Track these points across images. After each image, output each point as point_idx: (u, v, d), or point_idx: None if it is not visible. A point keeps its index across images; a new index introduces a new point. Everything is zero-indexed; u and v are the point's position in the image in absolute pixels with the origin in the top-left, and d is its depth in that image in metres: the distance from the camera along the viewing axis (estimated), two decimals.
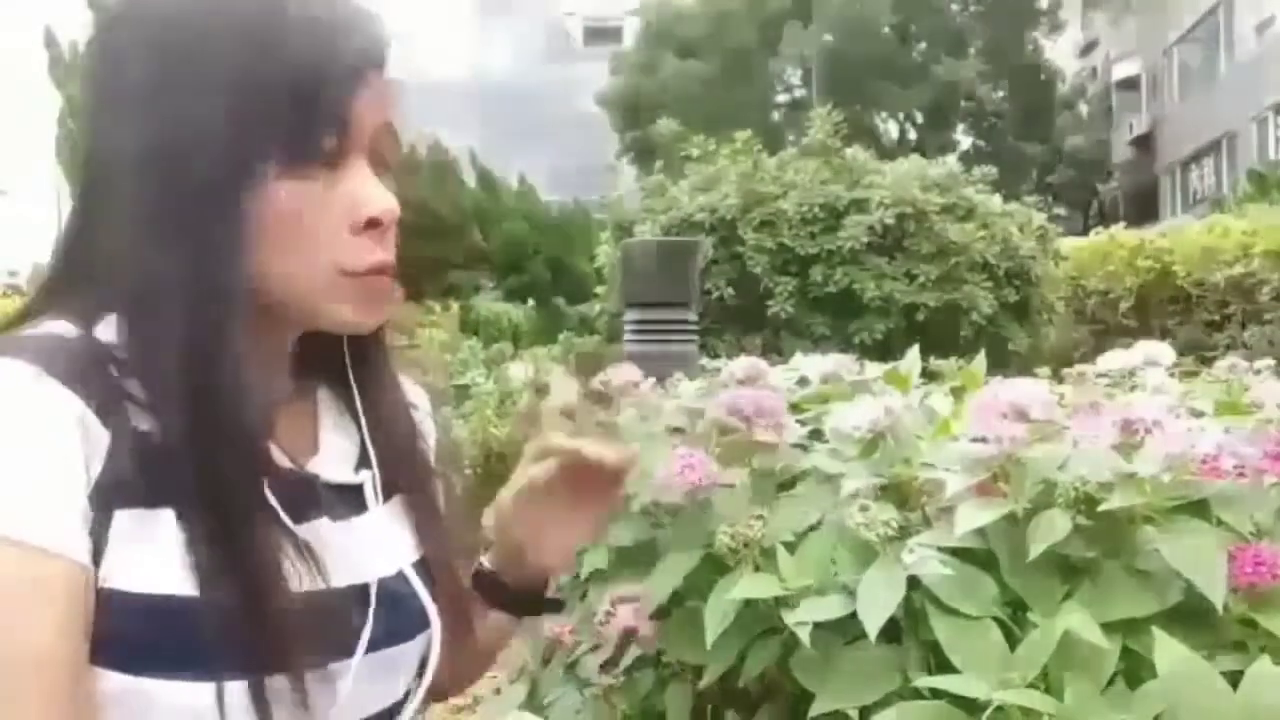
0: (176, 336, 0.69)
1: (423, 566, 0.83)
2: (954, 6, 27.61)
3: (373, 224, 0.73)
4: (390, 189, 0.76)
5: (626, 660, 1.26)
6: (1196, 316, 8.18)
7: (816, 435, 1.33)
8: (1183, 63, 27.44)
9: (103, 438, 0.66)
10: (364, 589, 0.77)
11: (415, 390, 0.93)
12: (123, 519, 0.66)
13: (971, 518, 1.00)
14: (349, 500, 0.81)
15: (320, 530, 0.76)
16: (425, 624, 0.81)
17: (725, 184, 7.28)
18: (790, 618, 0.99)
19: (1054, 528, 0.97)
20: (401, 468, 0.85)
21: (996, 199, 7.58)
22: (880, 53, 25.55)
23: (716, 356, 3.95)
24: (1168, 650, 0.86)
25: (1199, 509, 1.00)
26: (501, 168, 18.17)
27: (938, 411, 1.38)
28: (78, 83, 9.75)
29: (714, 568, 1.10)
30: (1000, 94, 27.70)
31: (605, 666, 1.29)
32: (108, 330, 0.71)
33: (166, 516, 0.68)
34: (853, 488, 1.10)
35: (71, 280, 0.75)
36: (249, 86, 0.69)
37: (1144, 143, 28.80)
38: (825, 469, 1.20)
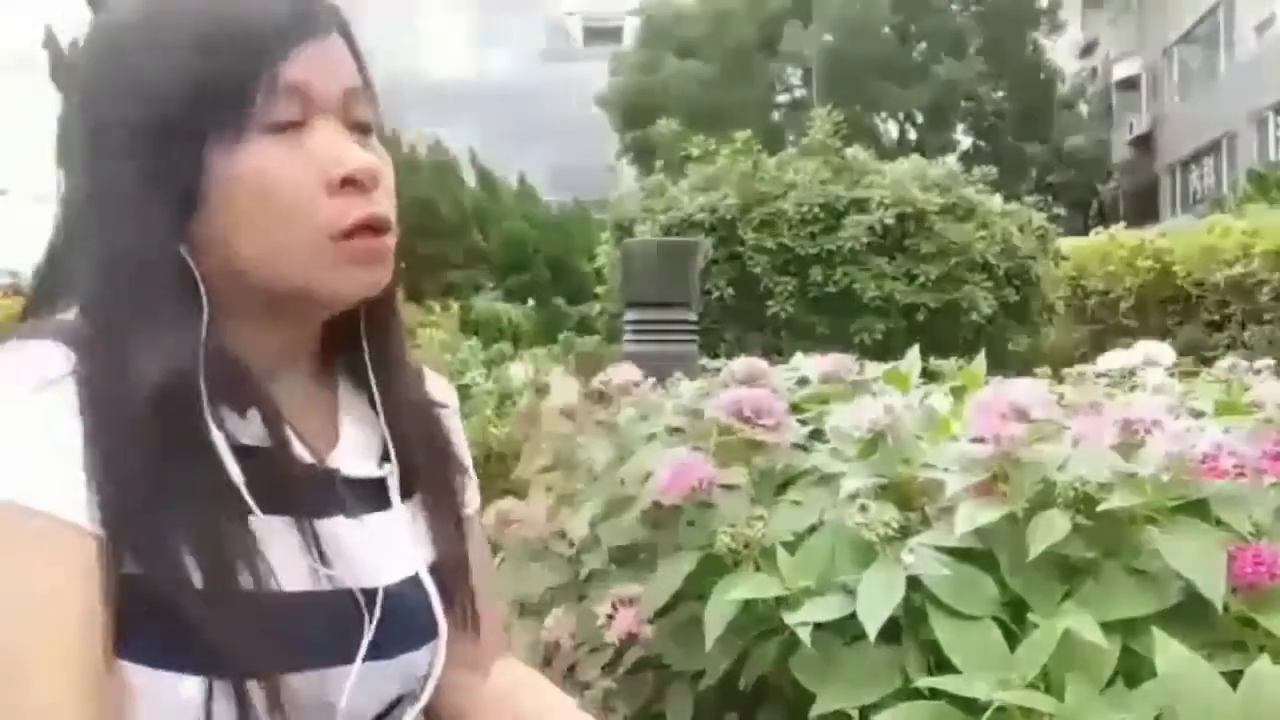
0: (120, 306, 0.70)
1: (436, 570, 0.82)
2: (954, 6, 27.57)
3: (349, 182, 0.73)
4: (381, 157, 0.76)
5: (627, 663, 1.26)
6: (1196, 316, 8.17)
7: (816, 435, 1.33)
8: (1183, 63, 27.41)
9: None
10: (371, 594, 0.76)
11: (445, 388, 0.93)
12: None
13: (971, 518, 1.00)
14: (367, 496, 0.79)
15: (336, 528, 0.75)
16: (434, 633, 0.80)
17: (725, 184, 7.27)
18: (790, 618, 0.99)
19: (1054, 528, 0.97)
20: (421, 464, 0.84)
21: (996, 199, 7.58)
22: (880, 53, 25.52)
23: (716, 356, 3.94)
24: (1167, 650, 0.86)
25: (1199, 509, 1.00)
26: (501, 168, 18.13)
27: (938, 411, 1.38)
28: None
29: (714, 569, 1.09)
30: (1000, 94, 27.65)
31: (605, 669, 1.29)
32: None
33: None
34: (853, 488, 1.10)
35: (58, 275, 0.75)
36: (183, 51, 0.71)
37: (1144, 143, 28.77)
38: (825, 469, 1.20)
